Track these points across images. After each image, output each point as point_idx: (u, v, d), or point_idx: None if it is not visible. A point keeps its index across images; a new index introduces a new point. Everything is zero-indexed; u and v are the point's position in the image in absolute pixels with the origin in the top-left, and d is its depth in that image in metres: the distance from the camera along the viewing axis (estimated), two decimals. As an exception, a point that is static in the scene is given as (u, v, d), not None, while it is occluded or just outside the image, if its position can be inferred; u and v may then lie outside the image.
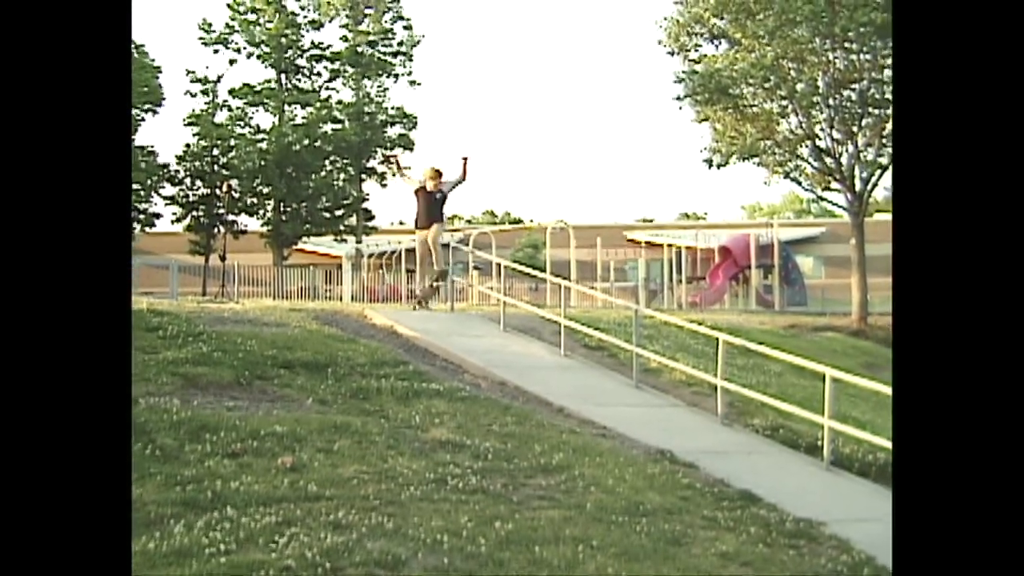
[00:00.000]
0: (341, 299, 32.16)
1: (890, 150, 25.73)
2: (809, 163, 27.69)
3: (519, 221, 71.09)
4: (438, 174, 13.95)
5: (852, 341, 23.48)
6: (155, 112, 38.25)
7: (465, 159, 14.50)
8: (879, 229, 37.77)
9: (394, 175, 14.29)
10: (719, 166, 27.37)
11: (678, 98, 27.04)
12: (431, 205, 14.17)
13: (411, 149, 42.10)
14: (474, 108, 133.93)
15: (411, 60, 42.51)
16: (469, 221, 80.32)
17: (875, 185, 27.56)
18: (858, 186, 27.05)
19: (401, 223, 76.81)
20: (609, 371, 13.52)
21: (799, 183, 28.52)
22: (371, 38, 41.88)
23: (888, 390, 9.92)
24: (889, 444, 9.47)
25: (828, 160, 27.17)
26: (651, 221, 71.05)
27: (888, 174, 27.57)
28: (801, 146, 27.41)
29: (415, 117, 42.04)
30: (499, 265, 16.54)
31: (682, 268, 37.71)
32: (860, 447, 10.51)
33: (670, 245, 39.51)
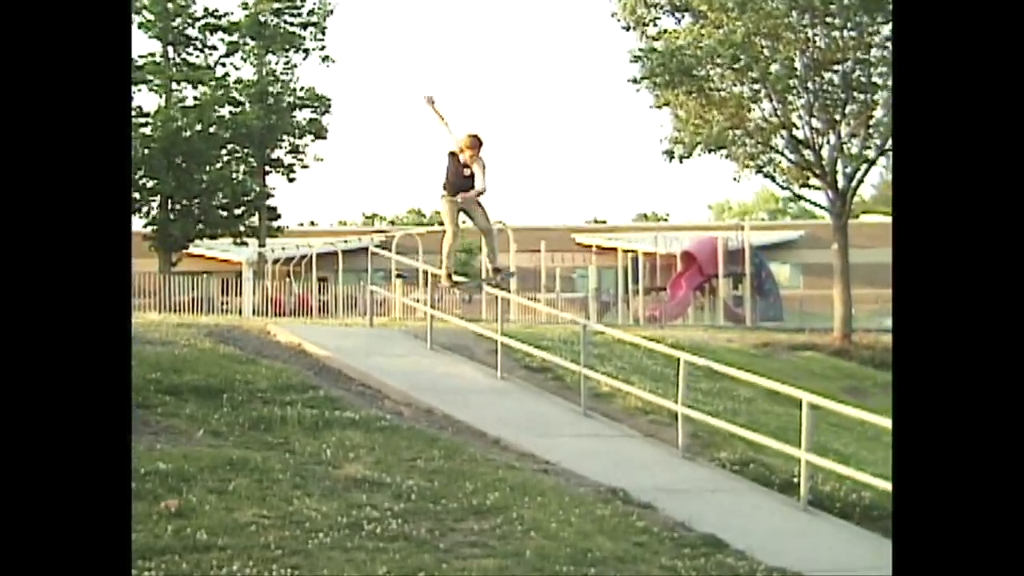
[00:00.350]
0: (240, 312, 31.92)
1: (877, 141, 26.09)
2: (785, 156, 27.94)
3: (450, 221, 71.09)
4: (476, 144, 13.02)
5: (834, 361, 23.74)
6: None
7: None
8: (865, 232, 38.53)
9: (443, 121, 13.21)
10: (682, 159, 27.52)
11: (634, 80, 27.16)
12: (463, 177, 13.37)
13: (323, 137, 42.00)
14: (396, 90, 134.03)
15: (323, 32, 42.44)
16: (392, 222, 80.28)
17: (860, 182, 27.91)
18: (841, 183, 27.34)
19: (312, 223, 76.70)
20: (553, 396, 13.54)
21: (773, 179, 28.75)
22: (276, 5, 41.64)
23: (874, 418, 10.10)
24: (875, 481, 9.62)
25: (806, 152, 27.42)
26: (603, 223, 71.56)
27: (875, 170, 27.96)
28: (776, 136, 27.64)
29: (328, 99, 41.97)
30: (426, 273, 16.54)
31: (639, 277, 37.94)
32: (842, 484, 10.62)
33: (625, 250, 39.75)
